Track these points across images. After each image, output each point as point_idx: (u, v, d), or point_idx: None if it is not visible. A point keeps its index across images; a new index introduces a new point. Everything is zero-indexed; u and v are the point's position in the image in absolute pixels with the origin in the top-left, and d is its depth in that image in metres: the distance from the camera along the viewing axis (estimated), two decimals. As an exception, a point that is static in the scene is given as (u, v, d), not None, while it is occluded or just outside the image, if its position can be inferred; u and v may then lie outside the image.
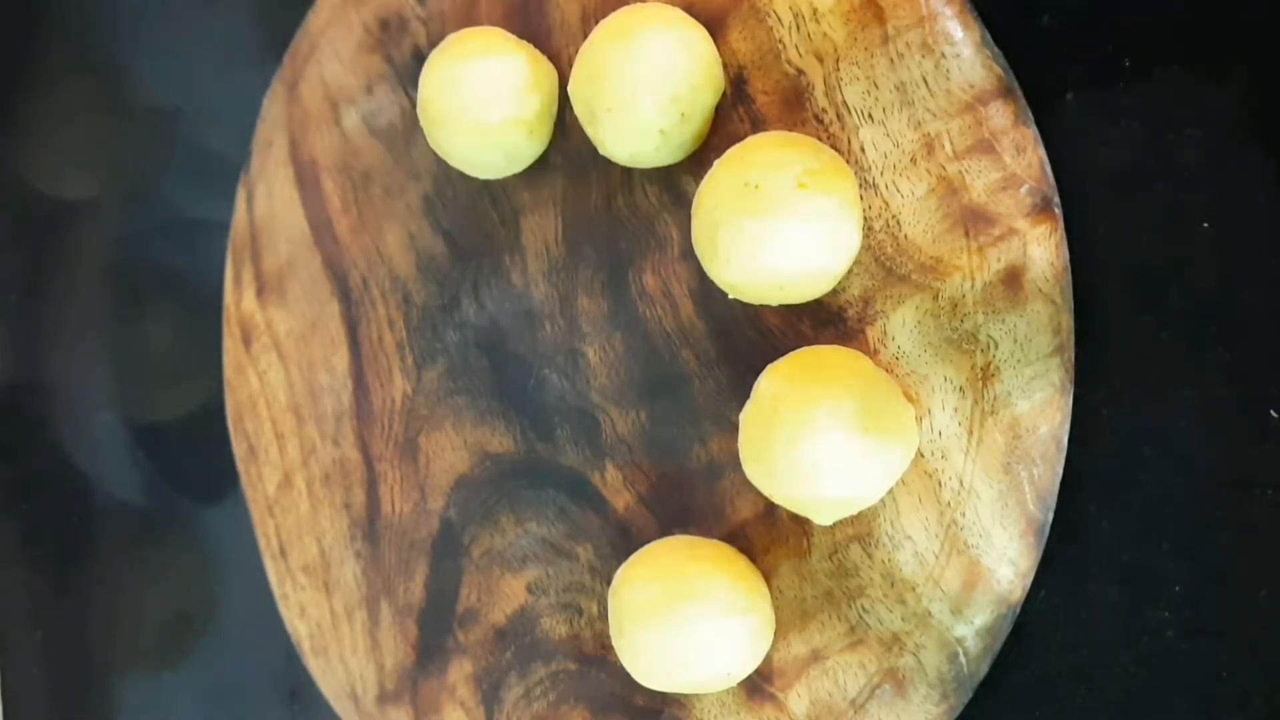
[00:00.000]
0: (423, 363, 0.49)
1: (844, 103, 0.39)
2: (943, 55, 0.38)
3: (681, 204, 0.43)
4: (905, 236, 0.38)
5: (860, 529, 0.39)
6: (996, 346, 0.37)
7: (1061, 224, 0.37)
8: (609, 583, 0.42)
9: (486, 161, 0.45)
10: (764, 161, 0.38)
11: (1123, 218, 0.37)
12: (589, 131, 0.42)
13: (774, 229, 0.37)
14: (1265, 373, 0.35)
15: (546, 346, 0.46)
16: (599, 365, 0.45)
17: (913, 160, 0.38)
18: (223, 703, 0.59)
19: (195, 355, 0.57)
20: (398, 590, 0.50)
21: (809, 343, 0.40)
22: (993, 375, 0.37)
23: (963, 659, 0.38)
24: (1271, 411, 0.35)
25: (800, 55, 0.40)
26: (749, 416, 0.38)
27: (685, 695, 0.42)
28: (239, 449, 0.55)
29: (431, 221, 0.49)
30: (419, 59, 0.48)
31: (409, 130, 0.49)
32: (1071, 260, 0.37)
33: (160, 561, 0.61)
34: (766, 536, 0.41)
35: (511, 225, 0.47)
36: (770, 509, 0.41)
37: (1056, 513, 0.37)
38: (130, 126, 0.61)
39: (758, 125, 0.41)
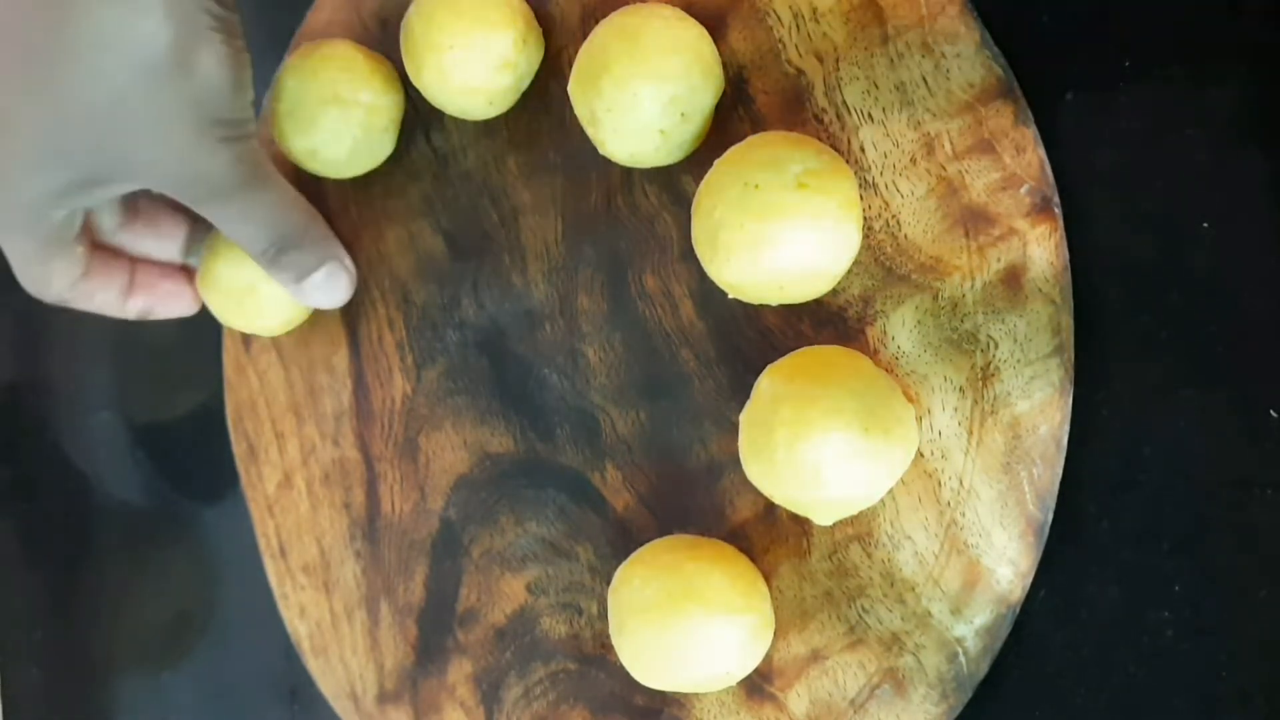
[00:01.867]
0: (423, 362, 0.49)
1: (844, 103, 0.39)
2: (943, 55, 0.38)
3: (681, 204, 0.43)
4: (905, 236, 0.38)
5: (860, 529, 0.39)
6: (996, 346, 0.37)
7: (1061, 224, 0.37)
8: (609, 582, 0.42)
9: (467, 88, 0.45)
10: (764, 161, 0.38)
11: (1123, 218, 0.37)
12: (589, 131, 0.42)
13: (774, 229, 0.37)
14: (1265, 373, 0.35)
15: (546, 346, 0.46)
16: (599, 365, 0.45)
17: (912, 160, 0.38)
18: (223, 703, 0.59)
19: (195, 355, 0.57)
20: (397, 590, 0.50)
21: (809, 343, 0.40)
22: (993, 375, 0.37)
23: (962, 659, 0.38)
24: (1271, 411, 0.35)
25: (800, 55, 0.40)
26: (749, 416, 0.38)
27: (685, 695, 0.42)
28: (239, 449, 0.55)
29: (431, 221, 0.48)
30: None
31: (410, 129, 0.49)
32: (1071, 260, 0.37)
33: (160, 561, 0.61)
34: (766, 536, 0.41)
35: (511, 225, 0.47)
36: (770, 509, 0.41)
37: (1056, 513, 0.37)
38: (130, 126, 0.61)
39: (758, 125, 0.41)
